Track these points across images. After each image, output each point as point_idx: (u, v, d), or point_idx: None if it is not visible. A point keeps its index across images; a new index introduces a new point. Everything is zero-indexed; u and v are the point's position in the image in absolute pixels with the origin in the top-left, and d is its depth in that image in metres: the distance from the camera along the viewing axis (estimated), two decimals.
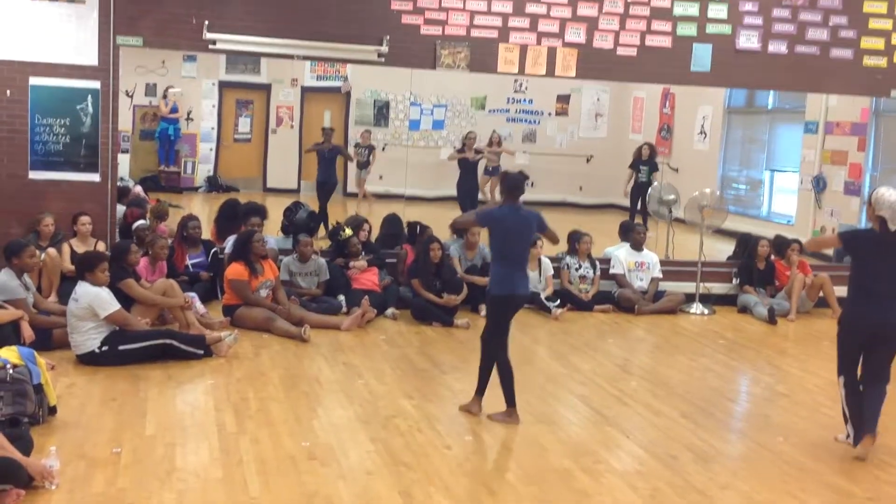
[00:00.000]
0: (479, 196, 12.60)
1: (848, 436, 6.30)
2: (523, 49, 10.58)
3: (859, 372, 6.26)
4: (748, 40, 11.08)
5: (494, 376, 6.63)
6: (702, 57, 11.00)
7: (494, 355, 6.64)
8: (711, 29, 10.98)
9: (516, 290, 6.63)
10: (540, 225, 6.74)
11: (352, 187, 13.13)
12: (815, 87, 11.60)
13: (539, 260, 10.59)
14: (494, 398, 6.65)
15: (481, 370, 6.70)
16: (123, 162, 11.30)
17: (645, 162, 12.45)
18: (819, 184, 12.27)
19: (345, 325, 9.01)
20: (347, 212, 12.04)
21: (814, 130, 12.43)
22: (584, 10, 10.65)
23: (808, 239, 7.78)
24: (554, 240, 7.08)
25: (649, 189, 11.84)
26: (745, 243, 11.53)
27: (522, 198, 6.73)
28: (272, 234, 10.63)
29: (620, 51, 10.79)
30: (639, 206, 12.72)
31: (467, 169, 12.20)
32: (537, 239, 10.47)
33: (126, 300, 7.96)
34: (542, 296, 10.34)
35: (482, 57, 10.48)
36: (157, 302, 8.28)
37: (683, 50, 10.94)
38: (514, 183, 6.70)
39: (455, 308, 9.60)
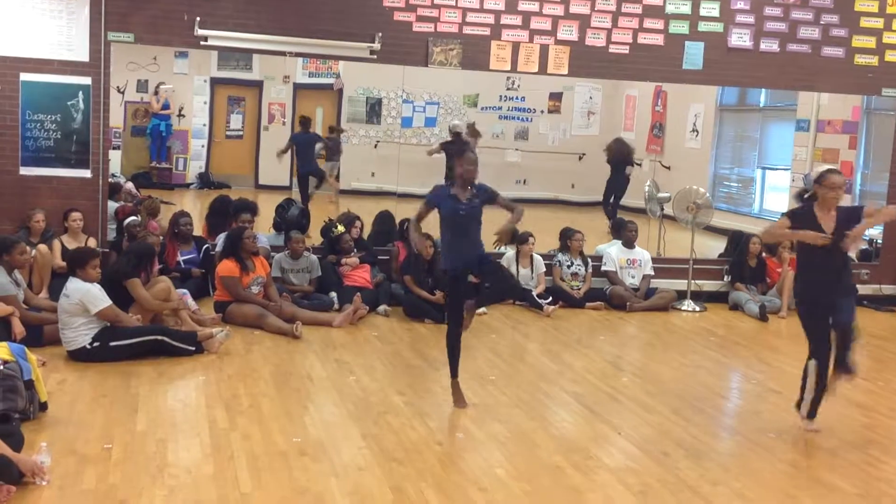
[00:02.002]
0: None
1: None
2: (516, 46, 10.58)
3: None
4: (740, 38, 11.11)
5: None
6: (694, 55, 11.02)
7: (450, 334, 6.71)
8: (703, 27, 11.01)
9: (455, 262, 6.68)
10: (489, 198, 6.68)
11: (344, 184, 13.11)
12: (807, 85, 11.62)
13: (531, 257, 10.61)
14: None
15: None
16: (115, 158, 11.25)
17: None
18: (810, 181, 12.29)
19: (337, 321, 9.01)
20: (339, 209, 12.04)
21: (805, 128, 12.45)
22: (577, 7, 10.66)
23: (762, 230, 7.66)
24: (511, 209, 6.79)
25: (645, 187, 11.87)
26: (737, 241, 11.56)
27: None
28: (264, 230, 10.62)
29: (613, 48, 10.81)
30: (611, 202, 12.79)
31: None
32: (529, 236, 10.56)
33: (120, 297, 7.90)
34: (534, 293, 10.35)
35: (474, 54, 10.48)
36: (156, 308, 8.17)
37: (676, 48, 10.96)
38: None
39: None
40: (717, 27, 11.04)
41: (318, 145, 12.71)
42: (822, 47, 11.29)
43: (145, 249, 8.52)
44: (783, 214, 6.84)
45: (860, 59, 11.40)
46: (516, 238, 10.25)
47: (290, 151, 12.52)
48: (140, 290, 8.08)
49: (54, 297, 8.09)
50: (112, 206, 10.22)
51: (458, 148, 11.52)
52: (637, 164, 12.59)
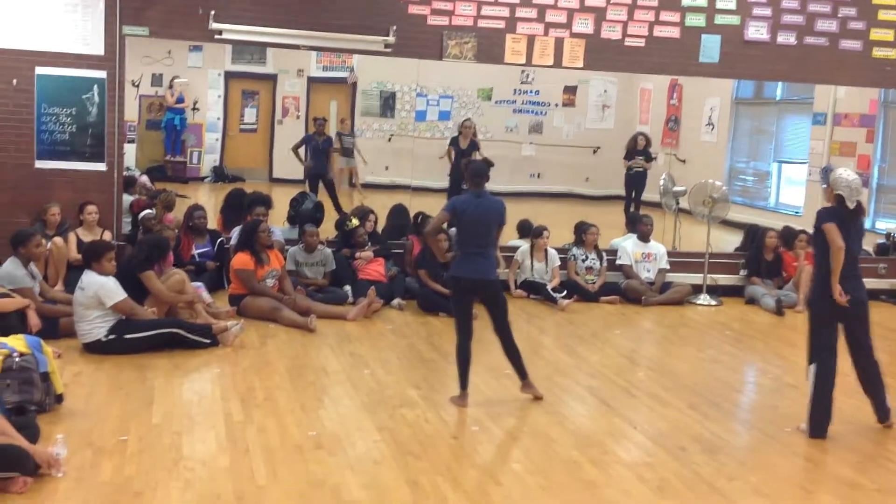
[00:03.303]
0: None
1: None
2: (531, 39, 10.54)
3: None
4: (757, 31, 11.03)
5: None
6: (710, 48, 10.95)
7: (459, 342, 6.66)
8: (720, 20, 10.93)
9: (469, 273, 6.63)
10: (500, 216, 6.71)
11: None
12: (824, 78, 11.53)
13: (546, 251, 10.58)
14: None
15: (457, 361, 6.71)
16: (129, 152, 11.29)
17: (640, 152, 12.47)
18: (827, 175, 12.22)
19: (351, 315, 9.00)
20: (353, 203, 12.03)
21: (822, 122, 12.37)
22: (592, 0, 10.60)
23: None
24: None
25: (660, 181, 11.82)
26: (753, 234, 11.50)
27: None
28: (278, 224, 10.62)
29: (628, 41, 10.75)
30: (633, 196, 12.75)
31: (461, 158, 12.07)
32: (544, 229, 10.53)
33: (136, 290, 7.91)
34: (549, 287, 10.32)
35: (489, 47, 10.44)
36: (171, 300, 8.18)
37: (692, 41, 10.89)
38: (475, 170, 6.75)
39: None
40: (734, 20, 10.96)
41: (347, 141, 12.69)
42: (839, 40, 11.20)
43: (158, 241, 8.54)
44: None
45: (878, 52, 11.31)
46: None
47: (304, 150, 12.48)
48: (155, 282, 8.09)
49: (70, 290, 8.11)
50: (127, 199, 10.25)
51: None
52: (653, 159, 12.53)
